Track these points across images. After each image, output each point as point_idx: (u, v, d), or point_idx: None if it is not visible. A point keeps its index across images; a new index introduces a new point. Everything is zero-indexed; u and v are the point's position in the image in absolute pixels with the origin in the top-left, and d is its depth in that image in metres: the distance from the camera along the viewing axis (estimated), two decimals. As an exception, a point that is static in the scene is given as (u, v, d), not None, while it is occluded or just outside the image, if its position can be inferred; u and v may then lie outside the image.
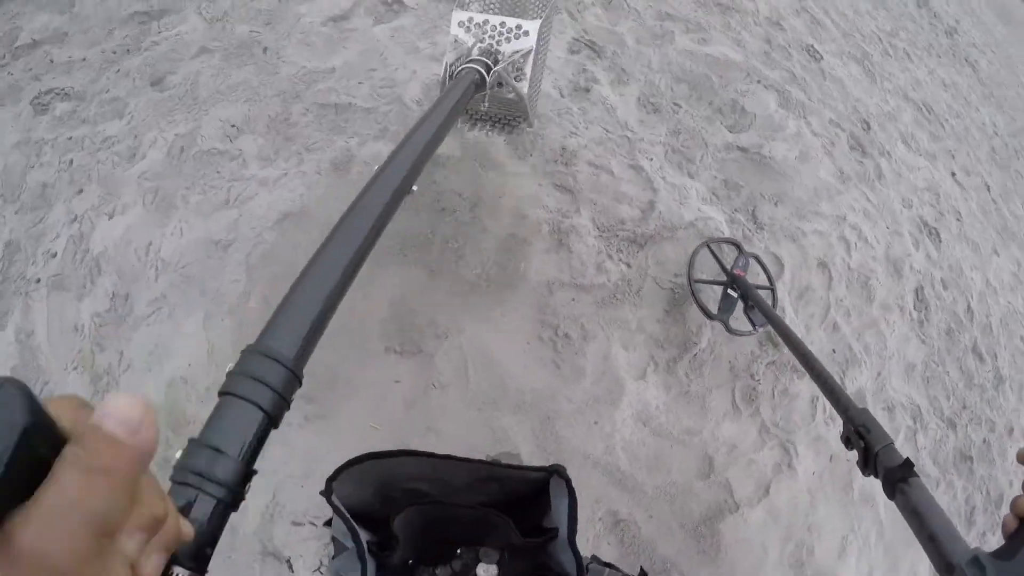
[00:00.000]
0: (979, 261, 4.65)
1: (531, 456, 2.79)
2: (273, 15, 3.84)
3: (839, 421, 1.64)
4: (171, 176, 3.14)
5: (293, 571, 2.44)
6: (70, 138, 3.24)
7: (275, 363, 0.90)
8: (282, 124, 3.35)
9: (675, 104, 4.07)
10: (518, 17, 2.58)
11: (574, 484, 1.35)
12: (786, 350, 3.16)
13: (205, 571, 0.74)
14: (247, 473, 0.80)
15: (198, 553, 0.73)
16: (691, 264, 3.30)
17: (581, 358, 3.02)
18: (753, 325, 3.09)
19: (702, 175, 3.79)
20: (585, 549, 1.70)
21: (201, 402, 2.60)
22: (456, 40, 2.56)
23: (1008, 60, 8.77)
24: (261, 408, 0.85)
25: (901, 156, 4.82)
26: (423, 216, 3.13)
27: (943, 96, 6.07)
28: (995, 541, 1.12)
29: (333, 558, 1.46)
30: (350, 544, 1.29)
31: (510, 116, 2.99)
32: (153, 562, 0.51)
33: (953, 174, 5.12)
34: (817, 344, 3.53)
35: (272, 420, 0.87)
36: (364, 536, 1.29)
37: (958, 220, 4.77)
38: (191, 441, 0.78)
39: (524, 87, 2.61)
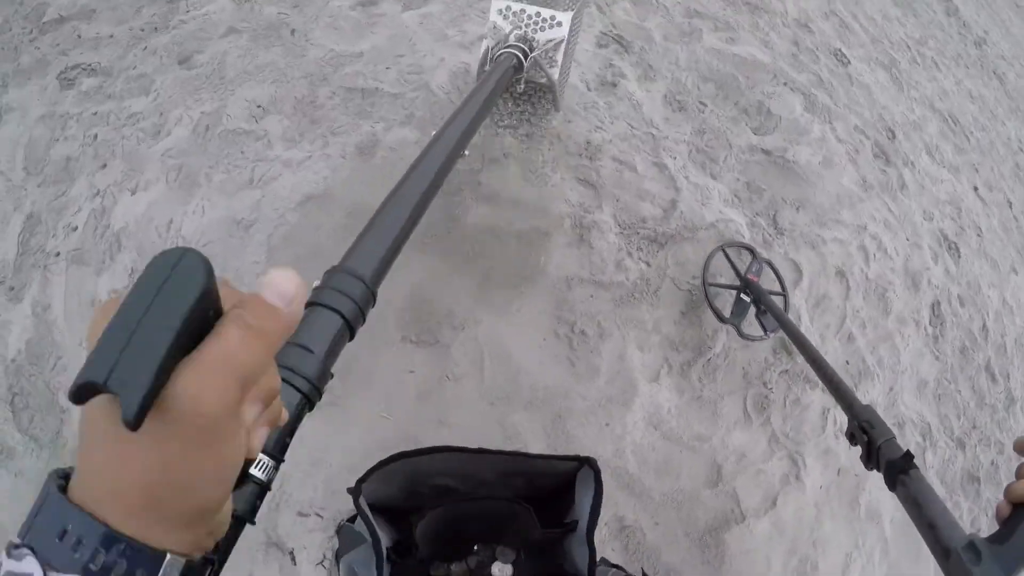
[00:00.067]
0: (997, 279, 4.63)
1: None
2: (302, -4, 3.83)
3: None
4: (195, 154, 3.15)
5: (295, 563, 2.44)
6: (95, 113, 3.25)
7: (355, 279, 1.05)
8: (308, 106, 3.36)
9: (701, 103, 4.05)
10: (552, 8, 2.75)
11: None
12: (800, 359, 3.17)
13: (283, 460, 0.87)
14: (326, 371, 0.92)
15: (280, 441, 0.86)
16: (706, 268, 3.31)
17: (596, 356, 3.03)
18: (764, 330, 3.13)
19: (725, 176, 3.78)
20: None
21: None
22: (495, 26, 2.75)
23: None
24: (343, 316, 0.99)
25: (925, 167, 4.80)
26: (444, 206, 3.13)
27: (970, 108, 6.04)
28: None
29: (337, 553, 1.46)
30: (370, 541, 1.29)
31: (540, 101, 3.13)
32: (259, 435, 0.56)
33: (976, 188, 5.09)
34: (832, 355, 3.51)
35: (351, 328, 1.00)
36: (385, 540, 1.30)
37: (978, 236, 4.75)
38: None
39: (555, 74, 2.82)
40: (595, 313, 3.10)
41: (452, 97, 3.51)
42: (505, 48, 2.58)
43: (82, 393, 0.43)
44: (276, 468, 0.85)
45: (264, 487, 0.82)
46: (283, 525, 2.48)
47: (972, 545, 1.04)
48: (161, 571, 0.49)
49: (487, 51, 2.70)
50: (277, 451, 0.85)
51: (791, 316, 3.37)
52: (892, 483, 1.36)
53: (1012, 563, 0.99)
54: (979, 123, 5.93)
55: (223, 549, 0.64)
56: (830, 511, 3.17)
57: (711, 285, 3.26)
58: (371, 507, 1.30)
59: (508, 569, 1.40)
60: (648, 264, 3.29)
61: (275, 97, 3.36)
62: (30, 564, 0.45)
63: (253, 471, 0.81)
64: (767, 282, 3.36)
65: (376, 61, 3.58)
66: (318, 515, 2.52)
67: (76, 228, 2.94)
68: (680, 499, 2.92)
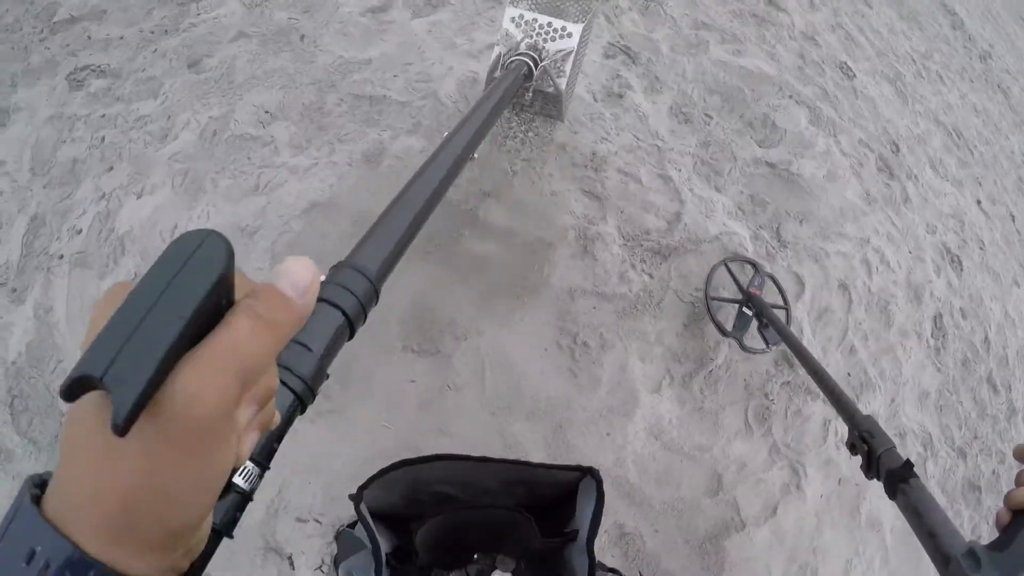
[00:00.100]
0: (999, 292, 4.63)
1: (542, 465, 2.80)
2: (312, 3, 3.84)
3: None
4: (202, 159, 3.15)
5: (294, 568, 2.45)
6: (103, 115, 3.26)
7: (360, 275, 1.05)
8: (316, 113, 3.37)
9: (707, 115, 4.07)
10: (563, 19, 2.76)
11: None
12: (802, 371, 3.18)
13: (268, 467, 0.82)
14: (322, 371, 0.91)
15: (267, 447, 0.83)
16: (708, 281, 3.31)
17: (598, 367, 3.03)
18: (767, 343, 3.13)
19: (729, 189, 3.79)
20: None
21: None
22: (507, 33, 2.75)
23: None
24: (344, 313, 0.98)
25: (928, 181, 4.80)
26: (448, 215, 3.14)
27: (974, 122, 6.04)
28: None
29: (336, 559, 1.47)
30: (370, 547, 1.30)
31: (544, 111, 3.13)
32: (250, 440, 0.53)
33: (979, 202, 5.09)
34: (833, 367, 3.52)
35: (351, 326, 1.00)
36: (385, 547, 1.30)
37: (981, 249, 4.76)
38: None
39: (563, 83, 2.82)
40: (597, 324, 3.11)
41: (460, 106, 3.52)
42: (516, 56, 2.64)
43: (74, 389, 0.40)
44: (260, 476, 0.80)
45: (246, 497, 0.78)
46: (281, 531, 2.48)
47: (972, 552, 1.04)
48: None
49: (499, 57, 2.74)
50: (263, 457, 0.82)
51: (793, 329, 3.38)
52: (892, 492, 1.36)
53: (1012, 570, 0.99)
54: (983, 137, 5.94)
55: (198, 567, 0.59)
56: (830, 520, 3.17)
57: (713, 299, 3.27)
58: (372, 514, 1.30)
59: (508, 577, 1.40)
60: (651, 276, 3.30)
61: (283, 103, 3.36)
62: None
63: (236, 479, 0.76)
64: (769, 296, 3.37)
65: (384, 68, 3.59)
66: (317, 521, 2.52)
67: (80, 231, 2.94)
68: (680, 507, 2.93)
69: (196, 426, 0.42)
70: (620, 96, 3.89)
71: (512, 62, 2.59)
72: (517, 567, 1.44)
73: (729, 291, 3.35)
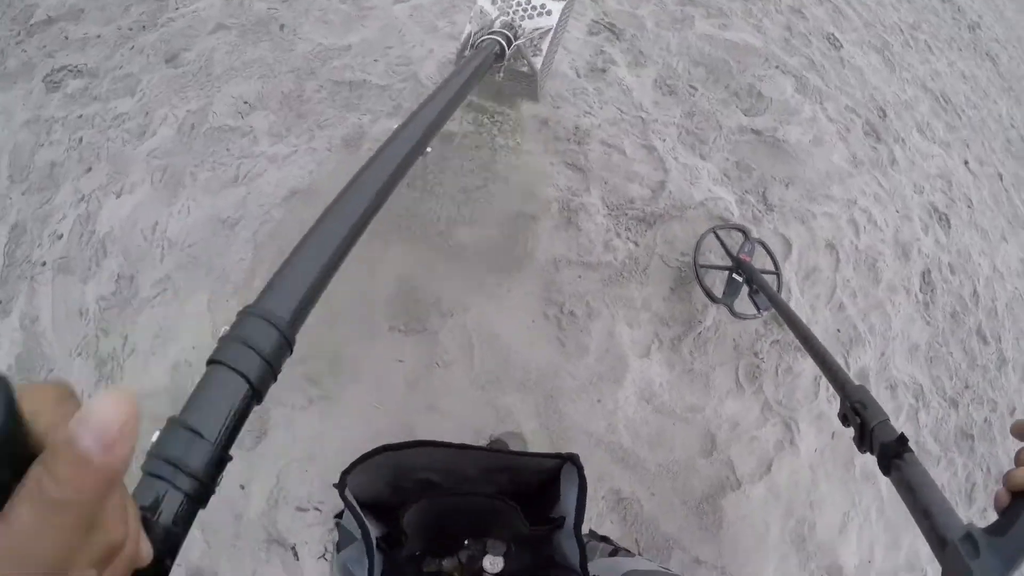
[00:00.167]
0: (988, 247, 4.63)
1: (534, 435, 2.81)
2: (292, -9, 3.85)
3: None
4: (180, 153, 3.16)
5: (298, 558, 2.46)
6: (80, 116, 3.27)
7: (268, 325, 0.87)
8: (295, 101, 3.37)
9: (691, 87, 4.07)
10: None
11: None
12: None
13: (172, 565, 0.66)
14: (222, 460, 0.75)
15: (157, 567, 0.61)
16: (697, 249, 3.30)
17: (585, 336, 3.03)
18: (757, 308, 3.13)
19: (714, 156, 3.79)
20: (587, 527, 1.71)
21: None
22: (481, 11, 2.62)
23: (1029, 55, 8.73)
24: (248, 380, 0.81)
25: (916, 144, 4.80)
26: (431, 193, 3.14)
27: (962, 88, 6.03)
28: (995, 518, 1.14)
29: (338, 545, 1.47)
30: (359, 535, 1.30)
31: (518, 90, 3.03)
32: None
33: (966, 163, 5.09)
34: (822, 324, 3.54)
35: (257, 393, 0.82)
36: (374, 532, 1.30)
37: (969, 207, 4.75)
38: (170, 420, 0.73)
39: (538, 63, 2.67)
40: (584, 293, 3.11)
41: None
42: (488, 34, 2.48)
43: None
44: None
45: None
46: (283, 521, 2.50)
47: (969, 536, 0.99)
48: None
49: (469, 36, 2.59)
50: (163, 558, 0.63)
51: (782, 293, 3.38)
52: (886, 468, 1.31)
53: (1012, 556, 0.95)
54: (971, 102, 5.93)
55: None
56: (825, 473, 3.18)
57: (702, 266, 3.27)
58: (359, 503, 1.30)
59: (500, 561, 1.39)
60: (636, 244, 3.30)
61: (262, 93, 3.37)
62: None
63: None
64: (759, 261, 3.37)
65: (365, 53, 3.59)
66: (317, 509, 2.53)
67: (62, 236, 2.95)
68: (675, 469, 2.93)
69: None
70: (603, 71, 3.89)
71: (483, 41, 2.43)
72: (508, 550, 1.44)
73: (718, 258, 3.35)
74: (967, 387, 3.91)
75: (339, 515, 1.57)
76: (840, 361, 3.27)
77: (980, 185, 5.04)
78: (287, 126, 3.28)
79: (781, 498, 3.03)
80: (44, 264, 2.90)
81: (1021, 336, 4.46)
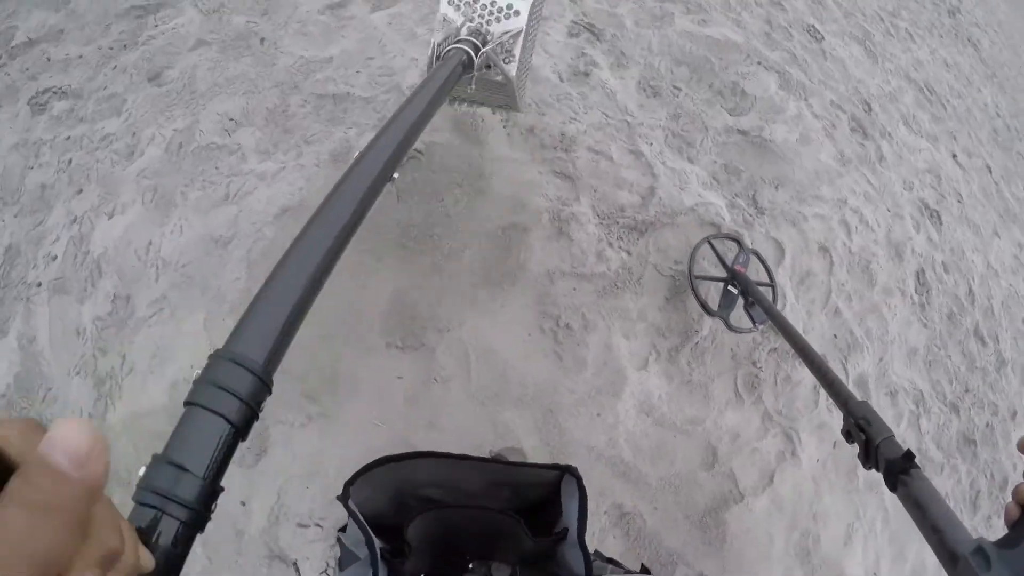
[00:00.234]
0: (980, 243, 4.64)
1: (534, 451, 2.79)
2: (270, 4, 3.82)
3: (841, 409, 1.64)
4: (170, 173, 3.13)
5: (300, 573, 2.44)
6: (68, 137, 3.24)
7: (243, 370, 0.84)
8: (280, 116, 3.34)
9: (675, 87, 4.05)
10: None
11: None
12: (788, 339, 3.18)
13: None
14: (213, 491, 0.75)
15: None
16: (691, 260, 3.29)
17: (583, 348, 3.02)
18: (753, 322, 3.10)
19: (702, 159, 3.78)
20: (591, 543, 1.70)
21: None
22: (445, 19, 2.47)
23: (1010, 40, 8.74)
24: (228, 420, 0.80)
25: (902, 138, 4.81)
26: (421, 207, 3.12)
27: (945, 76, 6.06)
28: (1000, 525, 1.12)
29: (340, 562, 1.46)
30: (362, 554, 1.28)
31: (497, 101, 2.96)
32: None
33: (954, 156, 5.10)
34: (819, 330, 3.53)
35: (240, 432, 0.82)
36: (378, 544, 1.29)
37: (959, 202, 4.77)
38: (154, 457, 0.73)
39: (513, 70, 2.54)
40: (579, 305, 3.09)
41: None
42: (454, 44, 2.28)
43: None
44: None
45: None
46: (284, 537, 2.48)
47: (981, 550, 0.98)
48: None
49: (434, 48, 2.39)
50: None
51: (778, 303, 3.37)
52: (892, 484, 1.29)
53: (1023, 568, 0.94)
54: (955, 91, 5.95)
55: None
56: (828, 484, 3.18)
57: (697, 277, 3.25)
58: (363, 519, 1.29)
59: (506, 583, 1.39)
60: (629, 253, 3.28)
61: (247, 109, 3.34)
62: None
63: None
64: (753, 271, 3.35)
65: (346, 65, 3.57)
66: (318, 525, 2.52)
67: (56, 257, 2.93)
68: (677, 483, 2.92)
69: None
70: (586, 74, 3.87)
71: (448, 51, 2.25)
72: (513, 572, 1.43)
73: (711, 263, 3.34)
74: (967, 391, 3.91)
75: (342, 529, 1.56)
76: (838, 368, 3.28)
77: (969, 179, 5.05)
78: (274, 142, 3.25)
79: (784, 510, 3.03)
80: (39, 285, 2.89)
81: (1019, 335, 4.49)
